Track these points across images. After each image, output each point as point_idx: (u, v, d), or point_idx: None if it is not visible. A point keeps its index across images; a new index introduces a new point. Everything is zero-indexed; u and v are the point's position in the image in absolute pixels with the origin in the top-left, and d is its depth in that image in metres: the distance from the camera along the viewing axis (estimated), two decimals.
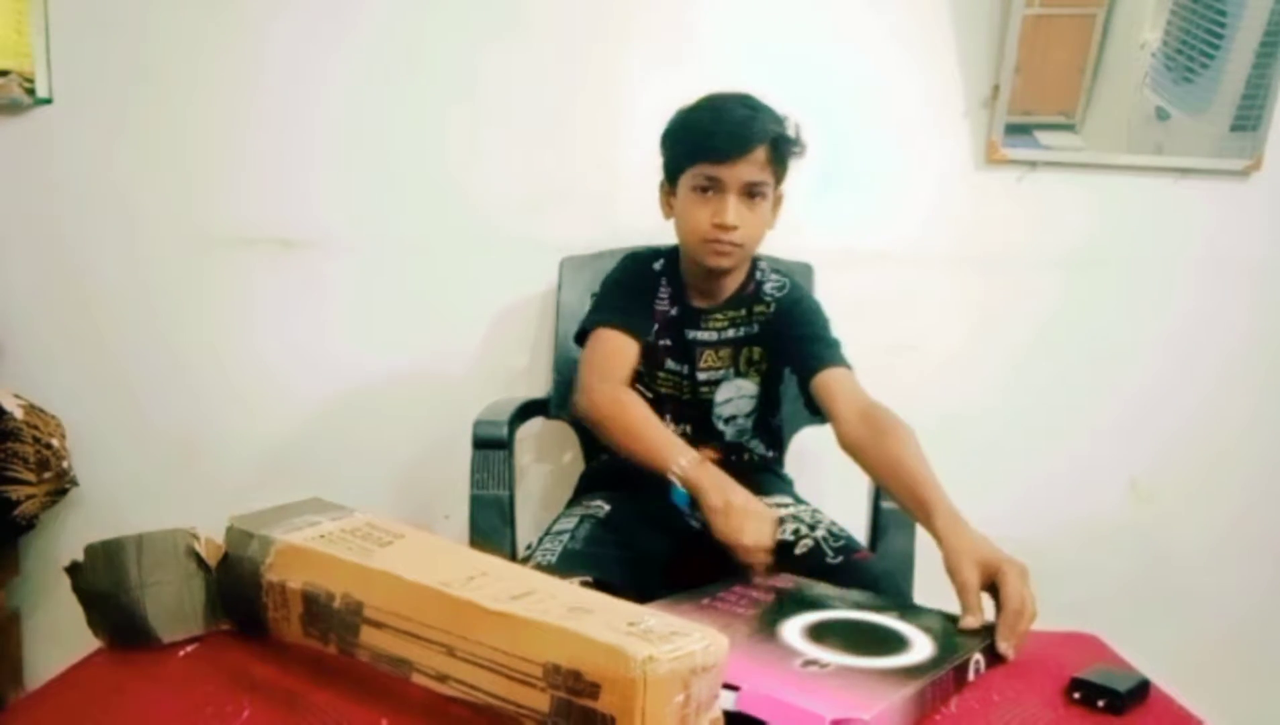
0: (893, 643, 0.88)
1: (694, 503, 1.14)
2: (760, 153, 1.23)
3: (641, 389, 1.36)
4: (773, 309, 1.38)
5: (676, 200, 1.31)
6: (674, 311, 1.38)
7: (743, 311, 1.38)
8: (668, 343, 1.37)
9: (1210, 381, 1.88)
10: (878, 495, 1.40)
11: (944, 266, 1.85)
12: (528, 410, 1.63)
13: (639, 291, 1.38)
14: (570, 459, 1.86)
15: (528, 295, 1.85)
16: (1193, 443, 1.90)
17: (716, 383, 1.38)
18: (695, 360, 1.37)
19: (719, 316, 1.37)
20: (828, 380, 1.27)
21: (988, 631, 0.92)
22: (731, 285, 1.38)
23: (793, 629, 0.89)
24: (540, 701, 0.69)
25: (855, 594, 1.04)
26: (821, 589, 1.05)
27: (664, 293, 1.39)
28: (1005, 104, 1.76)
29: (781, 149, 1.26)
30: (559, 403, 1.69)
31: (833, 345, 1.33)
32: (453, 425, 1.82)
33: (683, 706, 0.67)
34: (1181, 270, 1.85)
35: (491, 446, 1.40)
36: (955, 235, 1.85)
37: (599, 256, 1.74)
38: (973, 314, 1.87)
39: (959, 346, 1.87)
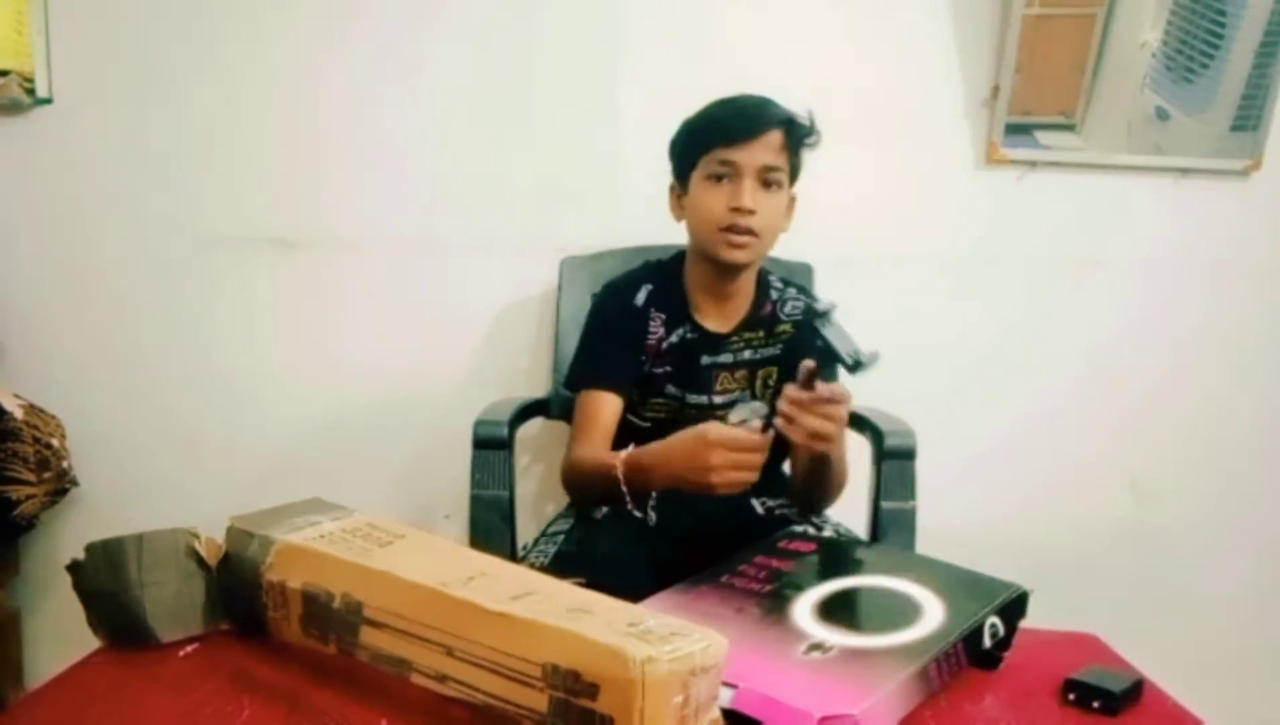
0: (904, 613, 0.88)
1: (658, 503, 1.17)
2: (775, 136, 1.22)
3: (635, 420, 1.34)
4: (793, 331, 1.35)
5: (689, 196, 1.28)
6: (685, 337, 1.33)
7: (760, 333, 1.35)
8: (668, 370, 1.33)
9: (1211, 381, 1.88)
10: (878, 495, 1.40)
11: (944, 266, 1.85)
12: (528, 410, 1.63)
13: (619, 335, 1.33)
14: None
15: (528, 295, 1.85)
16: (1193, 443, 1.90)
17: (731, 404, 1.33)
18: (711, 384, 1.33)
19: (737, 339, 1.34)
20: None
21: (999, 594, 0.91)
22: (744, 301, 1.34)
23: (804, 607, 0.89)
24: (539, 702, 0.69)
25: (876, 552, 1.03)
26: (841, 551, 1.05)
27: (655, 324, 1.33)
28: (1005, 104, 1.76)
29: (796, 135, 1.24)
30: (559, 403, 1.69)
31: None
32: (453, 425, 1.83)
33: (682, 707, 0.67)
34: (1181, 270, 1.85)
35: (491, 446, 1.40)
36: (955, 235, 1.85)
37: (599, 256, 1.74)
38: (972, 314, 1.87)
39: (958, 346, 1.87)
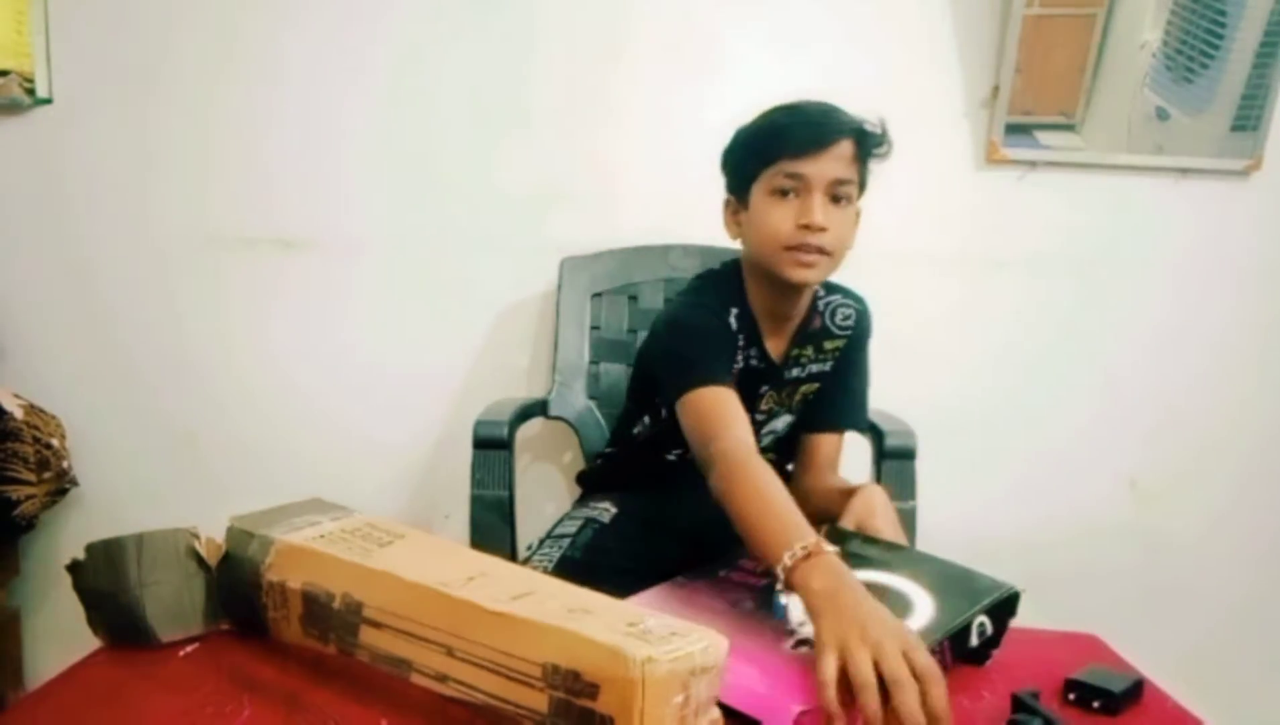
0: (893, 610, 0.85)
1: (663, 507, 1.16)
2: (845, 146, 1.12)
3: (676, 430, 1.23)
4: (843, 344, 1.29)
5: (750, 212, 1.17)
6: (750, 363, 1.23)
7: (810, 350, 1.27)
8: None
9: (1211, 382, 1.88)
10: None
11: (944, 266, 1.85)
12: (528, 410, 1.63)
13: (722, 347, 1.18)
14: (570, 459, 1.86)
15: (528, 295, 1.85)
16: (1193, 443, 1.90)
17: (770, 419, 1.29)
18: (757, 405, 1.26)
19: (790, 361, 1.26)
20: (827, 442, 1.29)
21: (989, 594, 0.91)
22: (797, 316, 1.25)
23: (797, 601, 0.87)
24: (539, 702, 0.69)
25: (878, 548, 1.01)
26: (840, 546, 1.04)
27: (741, 347, 1.22)
28: (1005, 104, 1.76)
29: (867, 145, 1.15)
30: (559, 403, 1.69)
31: (860, 405, 1.31)
32: (453, 425, 1.84)
33: (681, 707, 0.67)
34: (1182, 270, 1.85)
35: (491, 446, 1.40)
36: (955, 235, 1.84)
37: (599, 256, 1.74)
38: (973, 314, 1.87)
39: (959, 346, 1.87)
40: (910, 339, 1.85)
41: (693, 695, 0.68)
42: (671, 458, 1.32)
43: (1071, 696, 0.83)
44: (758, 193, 1.15)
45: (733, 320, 1.21)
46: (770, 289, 1.20)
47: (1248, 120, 1.74)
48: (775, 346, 1.25)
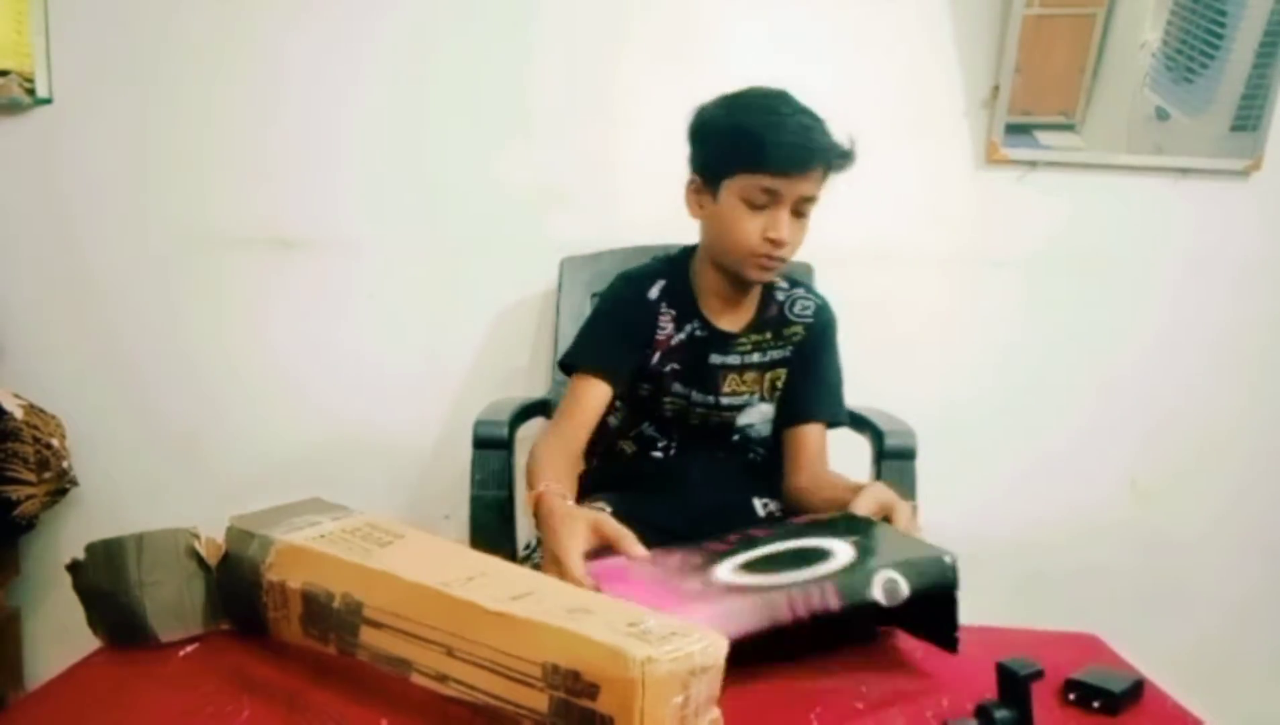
0: (807, 563, 0.89)
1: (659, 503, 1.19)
2: (821, 170, 1.19)
3: (644, 415, 1.34)
4: (804, 334, 1.33)
5: (717, 205, 1.23)
6: (693, 334, 1.30)
7: (769, 335, 1.33)
8: (676, 367, 1.31)
9: (1211, 381, 1.88)
10: None
11: (944, 266, 1.85)
12: (528, 410, 1.63)
13: (629, 327, 1.30)
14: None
15: (528, 295, 1.85)
16: (1193, 442, 1.90)
17: (741, 407, 1.33)
18: (718, 385, 1.31)
19: (744, 341, 1.31)
20: (810, 434, 1.30)
21: (905, 553, 0.91)
22: (752, 304, 1.32)
23: (729, 565, 0.90)
24: (539, 702, 0.69)
25: (856, 523, 1.01)
26: (827, 521, 1.04)
27: (665, 320, 1.30)
28: (1005, 104, 1.76)
29: (838, 165, 1.21)
30: (559, 402, 1.68)
31: (836, 399, 1.33)
32: (453, 425, 1.84)
33: (681, 707, 0.67)
34: (1181, 270, 1.85)
35: (491, 446, 1.40)
36: (955, 235, 1.85)
37: (599, 256, 1.74)
38: (973, 314, 1.87)
39: (959, 346, 1.87)
40: (910, 339, 1.85)
41: (692, 695, 0.68)
42: (657, 454, 1.34)
43: (1071, 696, 0.83)
44: (729, 194, 1.20)
45: (654, 292, 1.30)
46: (724, 276, 1.28)
47: (1247, 120, 1.74)
48: (727, 323, 1.31)
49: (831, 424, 1.33)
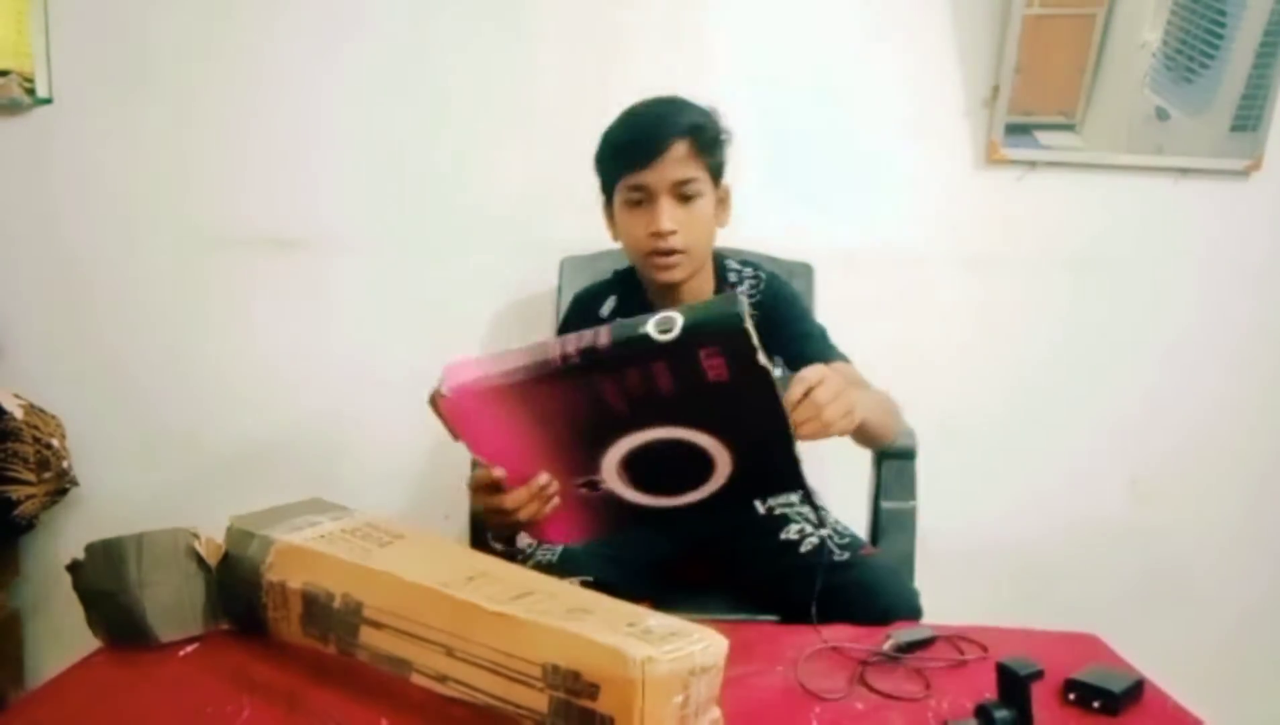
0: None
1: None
2: (680, 148, 1.17)
3: None
4: (757, 310, 1.27)
5: (615, 221, 1.25)
6: None
7: None
8: None
9: (1210, 381, 1.88)
10: (878, 495, 1.40)
11: (944, 266, 1.85)
12: None
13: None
14: None
15: (528, 295, 1.85)
16: (1193, 443, 1.90)
17: None
18: None
19: None
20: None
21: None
22: (700, 295, 1.29)
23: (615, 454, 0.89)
24: (539, 702, 0.69)
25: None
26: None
27: None
28: (1005, 104, 1.76)
29: (704, 140, 1.19)
30: None
31: (821, 339, 1.29)
32: None
33: (681, 707, 0.67)
34: (1181, 270, 1.85)
35: None
36: (955, 235, 1.84)
37: (599, 256, 1.74)
38: (973, 314, 1.87)
39: (959, 346, 1.87)
40: (910, 338, 1.85)
41: (692, 695, 0.68)
42: None
43: (1071, 696, 0.83)
44: (617, 204, 1.23)
45: (606, 309, 1.31)
46: (653, 285, 1.27)
47: (1247, 120, 1.74)
48: None
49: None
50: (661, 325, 0.80)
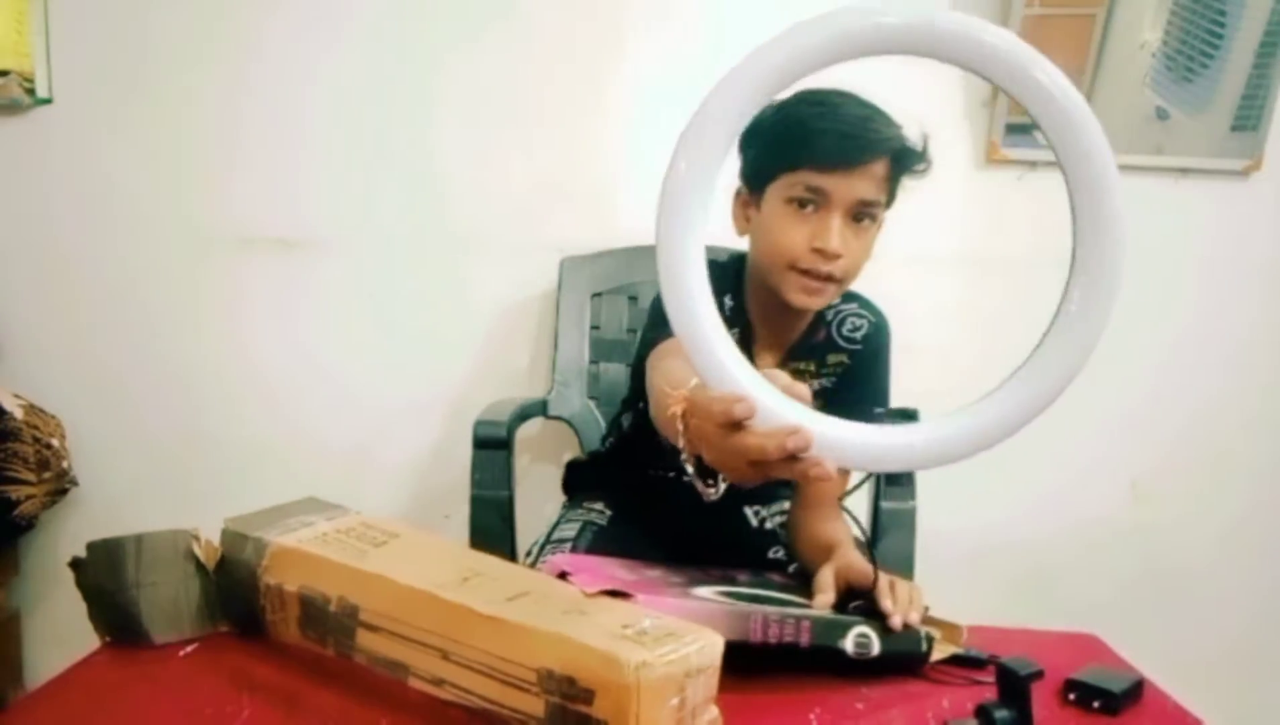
0: (789, 605, 0.91)
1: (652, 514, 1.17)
2: (879, 165, 1.00)
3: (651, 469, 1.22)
4: (850, 360, 1.15)
5: (761, 215, 1.05)
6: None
7: (812, 364, 1.13)
8: None
9: (1211, 382, 1.88)
10: (878, 495, 1.40)
11: (944, 266, 1.85)
12: (527, 410, 1.63)
13: None
14: (570, 459, 1.85)
15: (528, 295, 1.85)
16: (1193, 444, 1.89)
17: None
18: None
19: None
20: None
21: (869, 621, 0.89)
22: (800, 327, 1.13)
23: (709, 590, 0.91)
24: (535, 706, 0.68)
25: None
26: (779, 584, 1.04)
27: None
28: (1005, 104, 1.75)
29: (906, 165, 1.04)
30: (558, 403, 1.69)
31: (884, 402, 1.17)
32: (453, 425, 1.83)
33: (678, 710, 0.67)
34: (1181, 271, 1.85)
35: (491, 446, 1.40)
36: (955, 235, 1.84)
37: (599, 256, 1.74)
38: (973, 314, 1.87)
39: (959, 347, 1.87)
40: (909, 339, 1.83)
41: (689, 696, 0.68)
42: (653, 473, 1.25)
43: (1071, 696, 0.83)
44: (773, 197, 1.03)
45: (729, 304, 1.11)
46: (769, 301, 1.09)
47: (1247, 120, 1.74)
48: (766, 360, 1.12)
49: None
50: (859, 645, 0.87)
